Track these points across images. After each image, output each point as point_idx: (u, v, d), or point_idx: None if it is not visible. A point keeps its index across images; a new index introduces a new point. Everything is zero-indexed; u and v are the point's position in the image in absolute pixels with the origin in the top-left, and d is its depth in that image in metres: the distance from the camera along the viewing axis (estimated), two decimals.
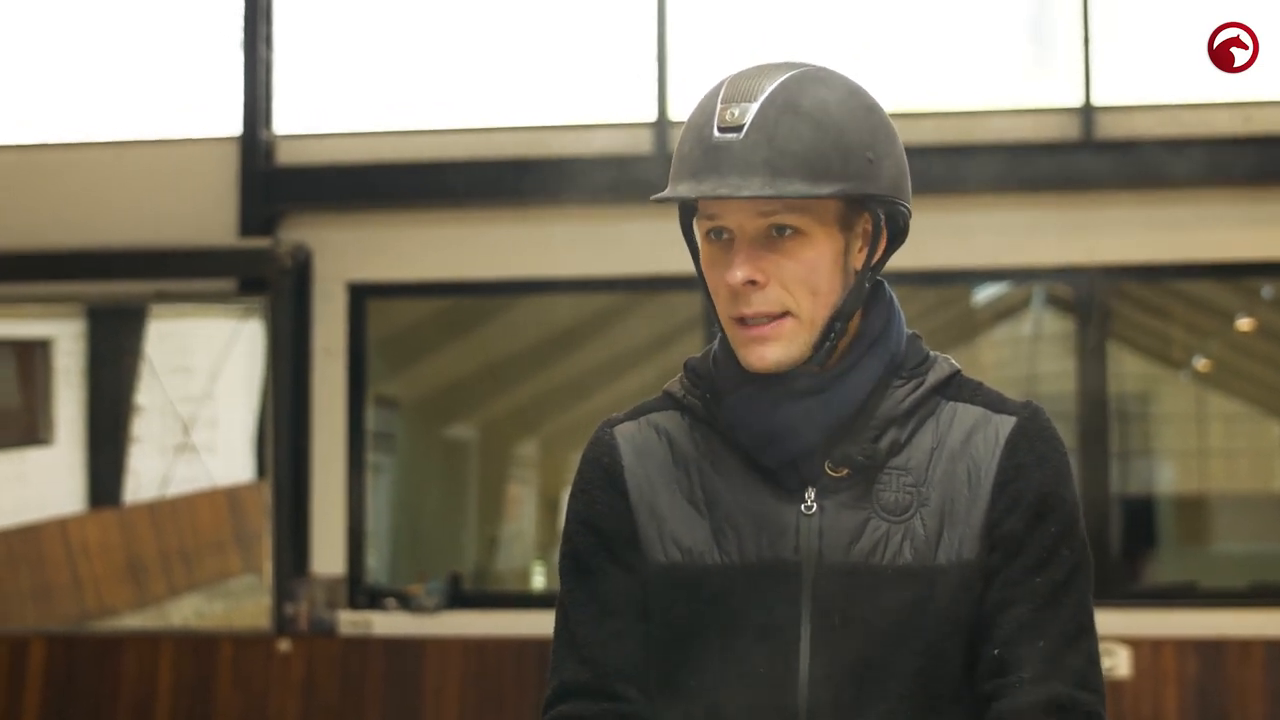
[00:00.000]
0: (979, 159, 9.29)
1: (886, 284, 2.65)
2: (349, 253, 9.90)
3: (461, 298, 10.41)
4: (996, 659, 2.49)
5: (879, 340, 2.58)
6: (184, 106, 10.31)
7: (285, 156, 9.99)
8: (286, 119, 10.09)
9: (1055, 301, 10.44)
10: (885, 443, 2.54)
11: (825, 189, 2.42)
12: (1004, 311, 11.35)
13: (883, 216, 2.53)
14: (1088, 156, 9.39)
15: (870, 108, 2.52)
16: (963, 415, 2.58)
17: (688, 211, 2.59)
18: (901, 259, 8.54)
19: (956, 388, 2.61)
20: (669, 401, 2.69)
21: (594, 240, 9.57)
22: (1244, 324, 11.25)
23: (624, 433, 2.68)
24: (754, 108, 2.43)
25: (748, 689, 2.52)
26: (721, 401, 2.59)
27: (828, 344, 2.51)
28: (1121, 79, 9.57)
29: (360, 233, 9.91)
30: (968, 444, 2.55)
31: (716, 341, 2.64)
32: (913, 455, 2.55)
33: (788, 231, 2.46)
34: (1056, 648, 2.48)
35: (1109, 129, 9.43)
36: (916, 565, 2.49)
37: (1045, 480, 2.54)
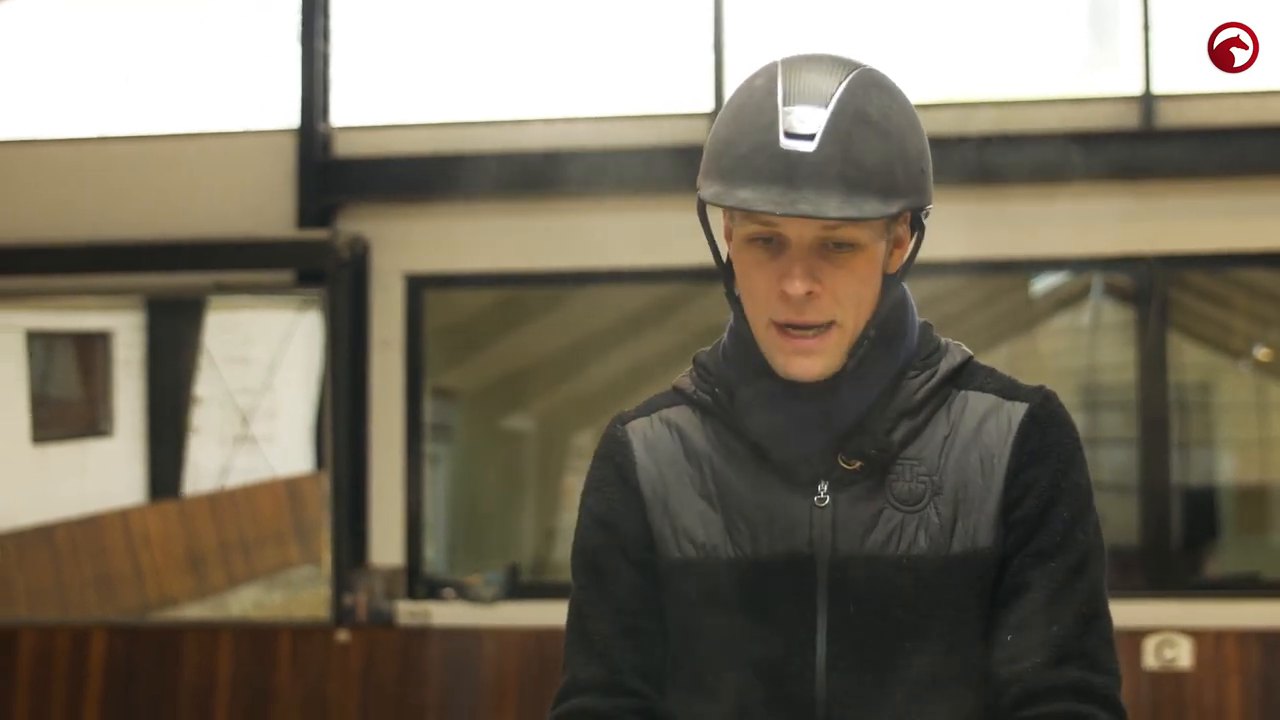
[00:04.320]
0: (1038, 148, 9.24)
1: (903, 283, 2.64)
2: (406, 244, 9.93)
3: (519, 289, 10.41)
4: (1011, 643, 2.50)
5: (895, 338, 2.57)
6: (242, 99, 10.35)
7: (342, 148, 10.02)
8: (343, 111, 10.11)
9: (1114, 291, 10.37)
10: (899, 435, 2.54)
11: (895, 206, 2.41)
12: (1063, 301, 11.28)
13: (923, 221, 2.54)
14: (1148, 145, 9.34)
15: (915, 114, 2.52)
16: (975, 403, 2.58)
17: (706, 204, 2.54)
18: (961, 248, 8.46)
19: (969, 375, 2.61)
20: (679, 397, 2.68)
21: (652, 230, 9.55)
22: None
23: (635, 429, 2.68)
24: (825, 115, 2.39)
25: (765, 682, 2.52)
26: (734, 397, 2.58)
27: (861, 351, 2.52)
28: (1182, 66, 9.50)
29: (417, 224, 9.92)
30: (980, 431, 2.55)
31: (725, 335, 2.64)
32: (926, 445, 2.55)
33: (845, 244, 2.44)
34: (1071, 632, 2.49)
35: (1169, 117, 9.37)
36: (931, 554, 2.49)
37: (1057, 466, 2.54)
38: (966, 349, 2.64)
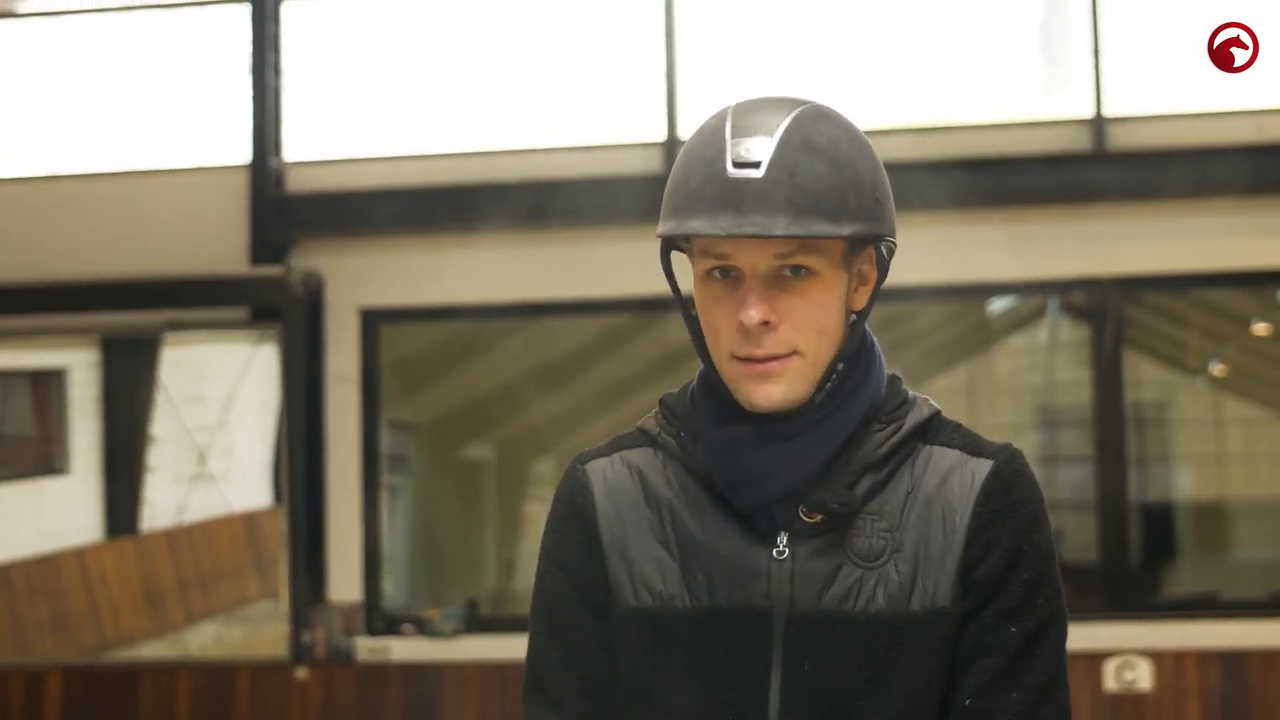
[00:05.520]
0: (990, 173, 9.27)
1: (867, 327, 2.61)
2: (360, 279, 9.91)
3: (474, 321, 10.40)
4: (968, 709, 2.48)
5: (861, 384, 2.54)
6: (194, 136, 10.32)
7: (295, 184, 10.00)
8: (296, 146, 10.09)
9: (1071, 309, 10.41)
10: (861, 489, 2.50)
11: (846, 229, 2.40)
12: (1020, 320, 11.33)
13: (886, 255, 2.52)
14: (1100, 168, 9.37)
15: (870, 147, 2.51)
16: (939, 459, 2.55)
17: (669, 245, 2.55)
18: (918, 273, 8.48)
19: (935, 430, 2.58)
20: (644, 438, 2.65)
21: (605, 261, 9.55)
22: (1260, 329, 11.21)
23: (596, 470, 2.65)
24: (772, 143, 2.40)
25: None
26: (698, 441, 2.56)
27: (829, 385, 2.49)
28: (1132, 90, 9.54)
29: (371, 258, 9.90)
30: (943, 488, 2.52)
31: (695, 379, 2.61)
32: (888, 500, 2.51)
33: (801, 271, 2.43)
34: (1029, 699, 2.47)
35: (1121, 140, 9.40)
36: (889, 612, 2.46)
37: (1020, 526, 2.51)
38: (934, 404, 2.61)
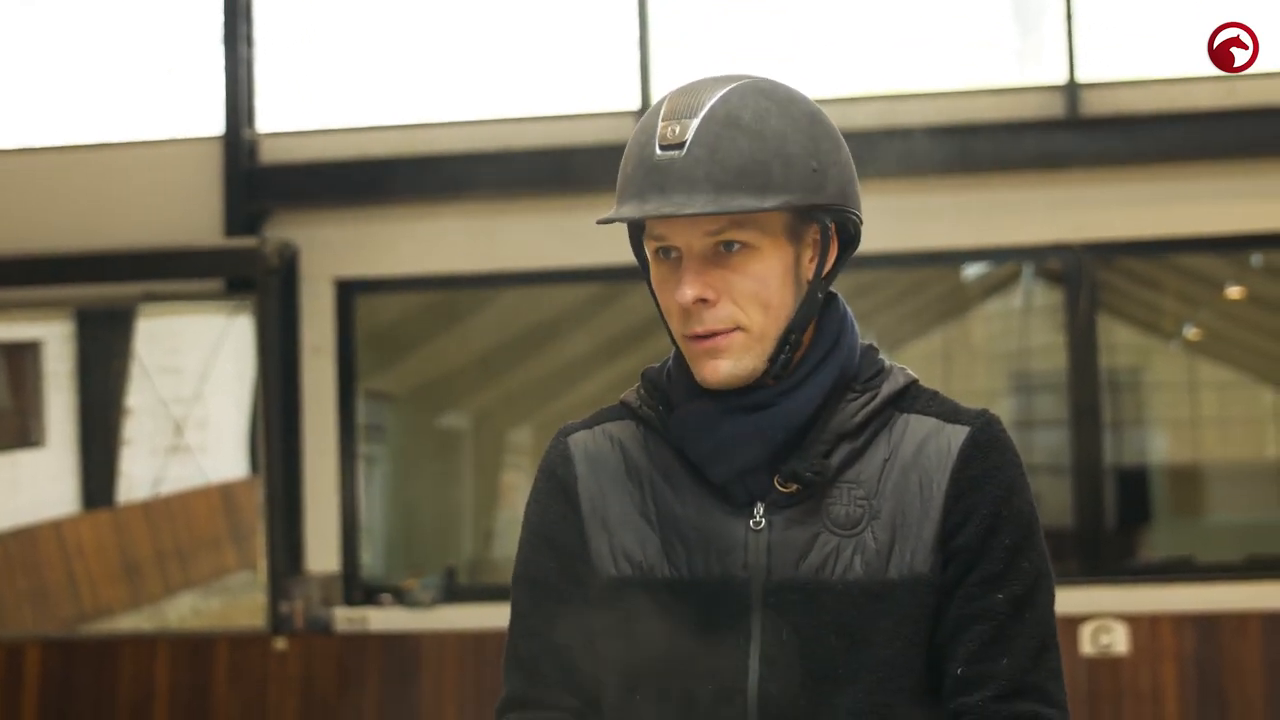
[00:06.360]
0: (964, 139, 9.27)
1: (840, 296, 2.63)
2: (335, 249, 9.90)
3: (448, 291, 10.39)
4: (960, 678, 2.49)
5: (830, 354, 2.56)
6: (166, 107, 10.29)
7: (269, 155, 9.98)
8: (269, 117, 10.07)
9: (1045, 274, 10.42)
10: (837, 458, 2.52)
11: (771, 202, 2.40)
12: (994, 286, 11.33)
13: (831, 226, 2.51)
14: (1073, 134, 9.38)
15: (813, 116, 2.50)
16: (915, 426, 2.56)
17: (637, 230, 2.58)
18: (891, 239, 8.52)
19: (911, 399, 2.60)
20: (625, 411, 2.68)
21: (579, 231, 9.54)
22: (1234, 292, 11.23)
23: (578, 442, 2.69)
24: (694, 123, 2.42)
25: (697, 705, 2.51)
26: (673, 414, 2.58)
27: (783, 357, 2.50)
28: (1105, 55, 9.55)
29: (346, 229, 9.89)
30: (920, 455, 2.53)
31: (673, 353, 2.63)
32: (865, 468, 2.53)
33: (735, 247, 2.45)
34: (1021, 664, 2.48)
35: (1094, 106, 9.41)
36: (867, 579, 2.47)
37: (999, 492, 2.52)
38: (911, 373, 2.62)
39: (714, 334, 2.46)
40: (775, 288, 2.47)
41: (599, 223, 2.50)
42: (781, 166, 2.42)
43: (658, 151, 2.43)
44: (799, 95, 2.52)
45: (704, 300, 2.45)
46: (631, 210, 2.43)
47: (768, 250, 2.46)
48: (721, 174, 2.39)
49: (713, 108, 2.43)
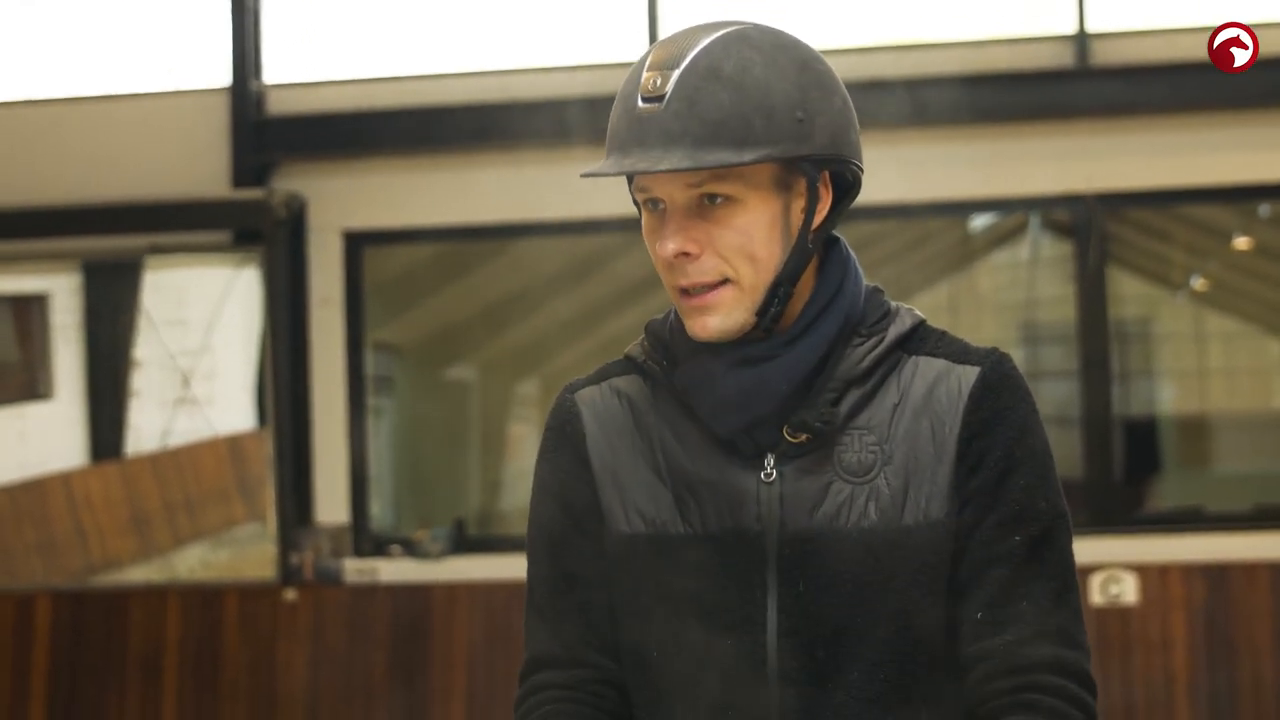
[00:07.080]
0: (973, 89, 9.23)
1: (844, 241, 2.60)
2: (343, 201, 9.87)
3: (457, 242, 10.37)
4: (980, 622, 2.46)
5: (833, 301, 2.52)
6: (173, 59, 10.26)
7: (276, 106, 9.94)
8: (276, 68, 10.03)
9: (1053, 225, 10.40)
10: (845, 405, 2.49)
11: (749, 155, 2.37)
12: (1002, 236, 11.32)
13: (819, 176, 2.47)
14: (1083, 84, 9.35)
15: (803, 64, 2.46)
16: (925, 369, 2.53)
17: (631, 180, 2.54)
18: (899, 190, 8.46)
19: (919, 340, 2.56)
20: (630, 365, 2.66)
21: (589, 182, 9.51)
22: (1241, 243, 11.22)
23: (585, 398, 2.66)
24: (675, 75, 2.38)
25: (716, 658, 2.49)
26: (676, 369, 2.56)
27: (773, 310, 2.47)
28: (1114, 5, 9.51)
29: (354, 180, 9.86)
30: (930, 398, 2.50)
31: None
32: (875, 413, 2.50)
33: (719, 200, 2.41)
34: (1042, 607, 2.45)
35: (1104, 56, 9.37)
36: (882, 526, 2.45)
37: (1012, 433, 2.48)
38: (919, 313, 2.59)
39: (700, 289, 2.44)
40: (761, 240, 2.43)
41: (583, 176, 2.46)
42: (763, 119, 2.38)
43: (640, 103, 2.40)
44: (789, 41, 2.48)
45: (686, 254, 2.43)
46: (612, 164, 2.40)
47: (752, 202, 2.42)
48: (699, 128, 2.36)
49: (694, 58, 2.39)
